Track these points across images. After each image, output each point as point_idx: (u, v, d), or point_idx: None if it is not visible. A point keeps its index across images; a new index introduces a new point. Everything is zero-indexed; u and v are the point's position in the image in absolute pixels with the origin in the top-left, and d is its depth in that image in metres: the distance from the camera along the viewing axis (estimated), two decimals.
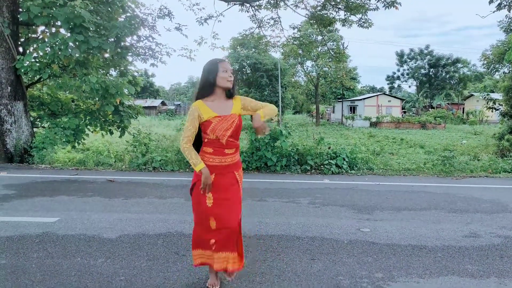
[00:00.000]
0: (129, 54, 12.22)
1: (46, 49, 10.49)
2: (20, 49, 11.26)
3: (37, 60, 10.96)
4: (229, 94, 3.05)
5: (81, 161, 10.64)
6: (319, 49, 37.41)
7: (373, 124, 43.99)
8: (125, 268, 3.67)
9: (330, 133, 33.33)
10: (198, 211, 3.04)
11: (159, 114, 58.65)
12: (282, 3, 16.69)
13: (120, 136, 12.75)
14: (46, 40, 10.82)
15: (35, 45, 11.52)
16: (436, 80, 68.03)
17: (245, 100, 3.11)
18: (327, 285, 3.35)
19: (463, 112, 58.37)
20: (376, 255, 4.07)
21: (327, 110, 62.01)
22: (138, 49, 12.38)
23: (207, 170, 2.89)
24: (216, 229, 2.98)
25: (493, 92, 39.26)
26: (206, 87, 2.99)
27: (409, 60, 71.82)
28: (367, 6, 14.85)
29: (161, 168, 9.87)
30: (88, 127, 12.28)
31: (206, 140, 3.00)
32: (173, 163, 10.03)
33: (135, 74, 13.53)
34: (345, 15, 16.02)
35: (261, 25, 18.19)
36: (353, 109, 52.97)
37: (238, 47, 43.16)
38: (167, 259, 3.90)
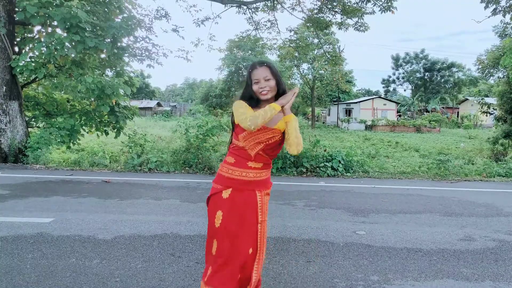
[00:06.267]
0: (126, 54, 12.21)
1: (42, 48, 10.47)
2: (16, 49, 11.21)
3: (33, 59, 10.91)
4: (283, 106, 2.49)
5: (76, 162, 10.59)
6: (316, 52, 37.53)
7: (369, 127, 44.10)
8: (120, 269, 3.65)
9: (325, 135, 33.37)
10: (208, 228, 2.61)
11: (155, 115, 58.54)
12: (279, 6, 16.74)
13: (116, 137, 12.71)
14: (42, 39, 10.78)
15: (31, 45, 11.51)
16: (431, 84, 68.35)
17: (294, 122, 2.53)
18: None
19: (457, 116, 58.66)
20: (372, 258, 4.08)
21: (322, 112, 62.11)
22: (134, 49, 12.37)
23: (276, 104, 2.41)
24: (215, 255, 2.52)
25: (487, 96, 39.48)
26: (250, 99, 2.55)
27: (404, 64, 72.12)
28: (364, 10, 14.93)
29: (157, 169, 9.85)
30: (84, 127, 12.24)
31: (233, 146, 2.60)
32: (168, 164, 10.01)
33: (131, 74, 13.51)
34: (341, 18, 16.09)
35: (258, 27, 18.23)
36: (348, 112, 53.14)
37: (234, 49, 43.26)
38: (163, 260, 3.88)
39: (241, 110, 2.47)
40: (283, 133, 2.56)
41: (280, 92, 2.55)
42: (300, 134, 2.57)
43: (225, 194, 2.53)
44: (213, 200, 2.58)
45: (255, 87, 2.50)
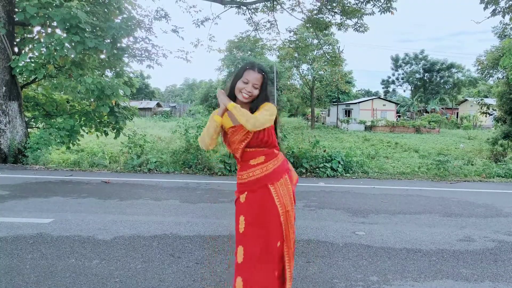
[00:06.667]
0: (125, 55, 12.20)
1: (41, 49, 10.47)
2: (16, 49, 11.21)
3: (33, 60, 10.91)
4: (251, 110, 2.53)
5: (75, 162, 10.59)
6: (315, 53, 37.58)
7: (368, 128, 44.08)
8: (120, 269, 3.65)
9: (325, 136, 33.37)
10: (235, 237, 2.58)
11: (154, 115, 58.48)
12: (278, 7, 16.76)
13: (115, 137, 12.71)
14: (42, 40, 10.78)
15: (30, 45, 11.50)
16: (430, 85, 68.35)
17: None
18: None
19: (457, 117, 58.68)
20: (371, 258, 4.08)
21: (322, 113, 62.12)
22: (134, 50, 12.36)
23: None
24: (242, 263, 2.47)
25: (487, 97, 39.51)
26: (229, 94, 2.58)
27: (404, 65, 72.13)
28: (363, 10, 14.95)
29: (156, 170, 9.84)
30: (83, 128, 12.24)
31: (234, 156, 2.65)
32: (168, 164, 10.01)
33: (131, 75, 13.50)
34: (341, 19, 16.11)
35: (258, 28, 18.25)
36: (348, 112, 53.11)
37: (234, 49, 43.23)
38: (162, 261, 3.88)
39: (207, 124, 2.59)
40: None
41: (257, 100, 2.55)
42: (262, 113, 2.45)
43: (242, 198, 2.58)
44: (235, 207, 2.64)
45: (240, 84, 2.50)
